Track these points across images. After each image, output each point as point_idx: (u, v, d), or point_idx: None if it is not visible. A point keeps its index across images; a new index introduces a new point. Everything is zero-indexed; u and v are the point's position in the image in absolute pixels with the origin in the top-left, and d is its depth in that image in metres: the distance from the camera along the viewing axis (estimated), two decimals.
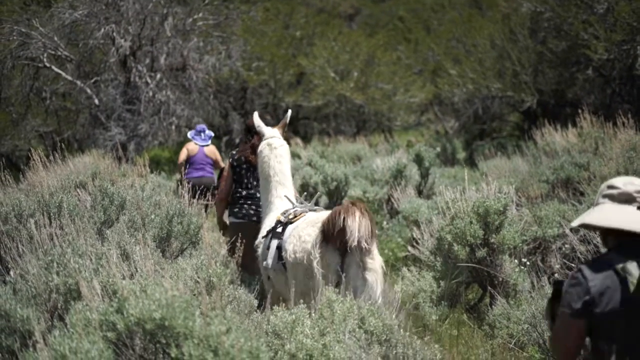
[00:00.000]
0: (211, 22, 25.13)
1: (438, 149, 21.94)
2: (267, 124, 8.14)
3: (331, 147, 25.11)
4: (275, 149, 7.77)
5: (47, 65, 22.31)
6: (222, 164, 13.59)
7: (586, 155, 13.09)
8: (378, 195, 15.58)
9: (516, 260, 8.39)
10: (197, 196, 8.42)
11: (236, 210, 8.90)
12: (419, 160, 15.47)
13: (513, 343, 7.24)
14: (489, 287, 8.32)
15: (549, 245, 9.23)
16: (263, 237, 7.31)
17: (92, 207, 8.04)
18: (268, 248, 7.03)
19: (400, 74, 34.10)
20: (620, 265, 3.93)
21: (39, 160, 9.69)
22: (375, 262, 6.34)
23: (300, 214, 7.02)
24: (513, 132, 29.75)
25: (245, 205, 8.95)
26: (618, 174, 9.26)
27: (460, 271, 8.46)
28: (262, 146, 7.86)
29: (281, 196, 7.54)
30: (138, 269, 6.17)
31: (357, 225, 6.14)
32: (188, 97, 24.27)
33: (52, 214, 7.57)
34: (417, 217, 11.02)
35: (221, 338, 4.16)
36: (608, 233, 4.15)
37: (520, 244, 8.47)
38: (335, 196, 14.85)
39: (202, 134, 13.94)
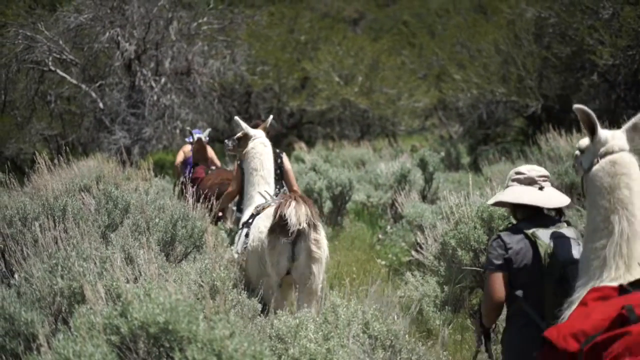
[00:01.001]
0: (216, 27, 25.17)
1: (442, 154, 21.93)
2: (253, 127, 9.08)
3: (335, 151, 25.11)
4: (261, 148, 8.63)
5: (52, 68, 22.35)
6: (218, 162, 14.19)
7: None
8: (382, 199, 15.58)
9: None
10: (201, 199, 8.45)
11: (244, 208, 9.01)
12: (423, 165, 15.46)
13: None
14: None
15: None
16: (239, 228, 8.10)
17: (97, 210, 8.05)
18: (240, 237, 7.86)
19: (404, 79, 34.10)
20: (530, 232, 5.16)
21: (44, 163, 9.70)
22: (322, 252, 7.05)
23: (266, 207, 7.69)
24: (517, 137, 29.73)
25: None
26: None
27: (464, 276, 8.44)
28: (251, 144, 8.71)
29: (261, 191, 8.21)
30: (142, 273, 6.18)
31: (293, 212, 6.83)
32: (192, 101, 24.30)
33: (56, 218, 7.58)
34: (421, 222, 11.00)
35: (225, 342, 4.16)
36: (517, 208, 5.43)
37: None
38: (339, 201, 14.85)
39: (195, 134, 14.19)
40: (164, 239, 7.57)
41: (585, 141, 4.88)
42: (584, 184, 4.82)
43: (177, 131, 23.51)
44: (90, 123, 24.30)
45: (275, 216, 7.02)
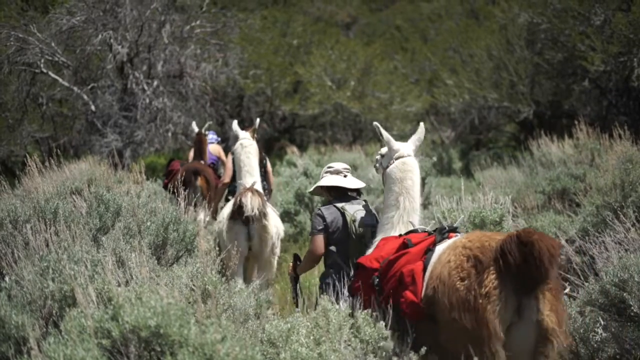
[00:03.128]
0: (209, 30, 25.13)
1: (434, 159, 21.91)
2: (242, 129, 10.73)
3: (327, 155, 25.08)
4: (246, 147, 10.28)
5: (44, 71, 22.28)
6: (224, 158, 15.13)
7: (582, 167, 13.11)
8: (374, 204, 15.57)
9: None
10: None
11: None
12: None
13: None
14: None
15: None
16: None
17: (88, 213, 8.04)
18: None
19: (397, 84, 34.10)
20: (340, 205, 7.56)
21: (35, 166, 9.67)
22: (269, 233, 9.56)
23: None
24: (509, 143, 29.79)
25: None
26: (614, 185, 9.27)
27: None
28: (237, 145, 10.42)
29: (248, 183, 9.93)
30: (133, 276, 6.17)
31: (249, 201, 9.26)
32: (185, 104, 24.26)
33: (47, 220, 7.56)
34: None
35: (216, 346, 4.16)
36: (330, 191, 7.81)
37: None
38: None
39: (209, 136, 15.34)
40: (155, 242, 7.57)
41: (384, 149, 7.21)
42: (383, 178, 7.17)
43: (169, 134, 23.48)
44: (82, 126, 24.22)
45: (234, 204, 9.45)
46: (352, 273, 7.02)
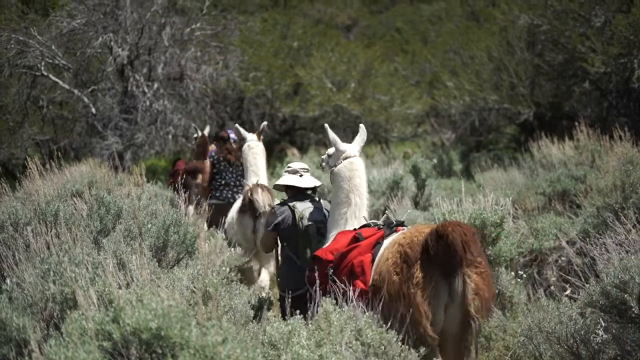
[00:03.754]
0: (209, 32, 25.13)
1: (435, 161, 21.94)
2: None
3: None
4: (253, 148, 11.49)
5: (45, 73, 22.27)
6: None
7: (583, 168, 13.12)
8: (374, 206, 15.57)
9: (512, 273, 8.40)
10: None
11: (218, 194, 13.34)
12: (415, 171, 15.48)
13: (509, 355, 7.23)
14: None
15: (546, 258, 9.25)
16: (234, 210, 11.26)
17: (89, 216, 8.04)
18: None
19: (397, 86, 34.09)
20: (292, 204, 8.15)
21: (36, 168, 9.68)
22: None
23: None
24: (510, 144, 29.78)
25: (224, 191, 13.45)
26: (615, 186, 9.27)
27: None
28: (245, 146, 11.61)
29: (253, 181, 10.87)
30: (134, 279, 6.17)
31: (260, 197, 10.12)
32: (185, 106, 24.25)
33: (48, 223, 7.57)
34: None
35: (217, 348, 4.16)
36: (287, 189, 8.45)
37: (517, 256, 8.48)
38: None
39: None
40: (156, 244, 7.57)
41: (331, 150, 7.74)
42: (331, 176, 7.68)
43: (170, 137, 23.47)
44: (83, 128, 24.21)
45: (244, 199, 10.42)
46: (300, 264, 7.92)
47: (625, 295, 6.17)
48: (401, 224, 6.87)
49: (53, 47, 22.08)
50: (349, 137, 34.16)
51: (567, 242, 8.73)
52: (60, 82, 22.68)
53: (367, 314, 5.88)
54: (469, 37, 30.25)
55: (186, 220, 8.00)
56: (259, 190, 10.22)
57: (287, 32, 34.31)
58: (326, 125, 7.93)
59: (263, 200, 10.13)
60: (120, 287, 5.78)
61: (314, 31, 35.58)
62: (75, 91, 22.57)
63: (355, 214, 7.28)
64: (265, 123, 12.57)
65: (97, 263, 6.24)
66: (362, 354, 5.56)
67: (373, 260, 6.40)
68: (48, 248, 6.75)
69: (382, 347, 5.65)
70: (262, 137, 11.90)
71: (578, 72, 21.63)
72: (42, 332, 5.49)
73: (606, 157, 12.25)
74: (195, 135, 16.41)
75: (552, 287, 8.86)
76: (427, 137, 38.23)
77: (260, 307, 7.69)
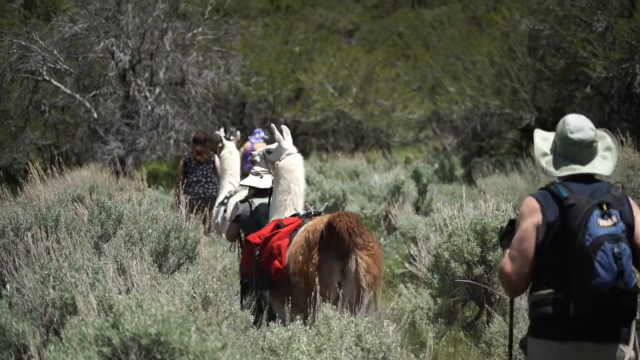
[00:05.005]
0: (210, 37, 25.16)
1: (436, 166, 21.92)
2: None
3: (329, 162, 25.07)
4: (233, 154, 13.37)
5: (47, 78, 22.32)
6: None
7: None
8: (376, 211, 15.58)
9: None
10: None
11: (190, 190, 14.41)
12: (416, 176, 15.48)
13: None
14: (486, 305, 8.32)
15: None
16: (216, 207, 12.69)
17: (89, 221, 8.05)
18: (217, 213, 12.35)
19: (399, 90, 34.10)
20: (251, 200, 9.06)
21: (37, 173, 9.69)
22: None
23: (236, 193, 12.09)
24: (511, 150, 29.81)
25: (196, 187, 14.59)
26: None
27: (458, 288, 8.44)
28: (226, 151, 13.50)
29: (230, 182, 12.91)
30: (134, 284, 6.17)
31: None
32: (187, 111, 24.26)
33: (49, 228, 7.57)
34: (415, 234, 11.01)
35: (217, 354, 4.15)
36: (251, 188, 9.38)
37: None
38: (332, 212, 14.82)
39: (257, 134, 17.40)
40: (156, 249, 7.57)
41: (273, 146, 8.57)
42: (274, 171, 8.39)
43: (171, 141, 23.49)
44: (84, 133, 24.25)
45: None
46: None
47: None
48: (318, 214, 7.89)
49: (55, 52, 22.12)
50: (350, 142, 34.27)
51: None
52: (62, 87, 22.72)
53: (366, 319, 5.87)
54: (470, 42, 30.27)
55: (187, 226, 8.00)
56: None
57: (289, 37, 34.34)
58: (273, 125, 8.82)
59: None
60: (120, 293, 5.78)
61: (315, 36, 35.63)
62: (77, 96, 22.60)
63: (294, 201, 8.16)
64: (238, 133, 14.82)
65: (98, 268, 6.24)
66: (361, 359, 5.56)
67: (289, 245, 7.38)
68: (48, 253, 6.75)
69: (382, 353, 5.65)
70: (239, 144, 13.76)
71: (580, 77, 21.64)
72: (42, 338, 5.48)
73: None
74: (252, 139, 17.94)
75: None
76: (429, 142, 38.29)
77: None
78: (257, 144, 16.90)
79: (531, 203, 4.80)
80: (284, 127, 8.87)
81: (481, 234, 8.28)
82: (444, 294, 8.49)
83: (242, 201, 9.33)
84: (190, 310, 5.64)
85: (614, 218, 4.53)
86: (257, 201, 9.16)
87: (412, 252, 10.00)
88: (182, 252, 7.78)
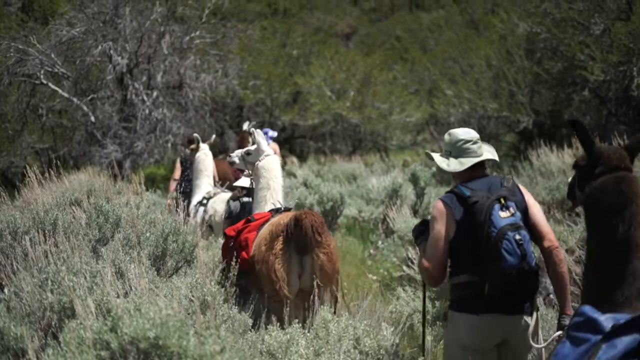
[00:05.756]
0: (208, 41, 25.18)
1: (434, 169, 21.92)
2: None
3: (327, 166, 25.09)
4: (208, 156, 13.52)
5: (44, 82, 22.32)
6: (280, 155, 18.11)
7: None
8: (373, 214, 15.58)
9: None
10: None
11: (184, 185, 14.67)
12: (414, 179, 15.48)
13: None
14: None
15: (544, 266, 9.21)
16: (194, 206, 12.84)
17: (87, 224, 8.03)
18: (196, 212, 12.63)
19: (396, 94, 34.16)
20: (241, 199, 10.58)
21: (35, 177, 9.68)
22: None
23: (215, 194, 12.62)
24: (509, 153, 29.79)
25: (189, 185, 14.51)
26: None
27: None
28: (201, 153, 13.58)
29: (205, 183, 13.22)
30: (132, 288, 6.16)
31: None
32: (184, 115, 24.28)
33: (47, 231, 7.56)
34: (413, 237, 10.98)
35: (215, 358, 4.15)
36: (242, 188, 10.58)
37: None
38: (330, 216, 14.85)
39: (266, 134, 17.38)
40: (154, 253, 7.55)
41: (252, 147, 9.13)
42: (254, 170, 8.96)
43: (169, 145, 23.50)
44: (82, 136, 24.25)
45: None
46: None
47: None
48: (288, 209, 8.35)
49: (52, 56, 22.13)
50: (348, 145, 34.29)
51: (567, 251, 8.71)
52: (60, 91, 22.72)
53: (364, 322, 5.87)
54: (468, 45, 30.30)
55: (185, 229, 7.99)
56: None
57: (287, 41, 34.40)
58: (252, 129, 9.51)
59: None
60: (118, 296, 5.77)
61: (313, 39, 35.70)
62: (75, 99, 22.60)
63: (273, 196, 8.77)
64: (214, 136, 15.73)
65: (96, 272, 6.23)
66: None
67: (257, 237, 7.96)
68: (46, 257, 6.74)
69: (380, 356, 5.64)
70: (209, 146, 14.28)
71: (577, 80, 21.65)
72: (40, 342, 5.47)
73: None
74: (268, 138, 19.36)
75: (551, 296, 8.84)
76: (427, 145, 38.28)
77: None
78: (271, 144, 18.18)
79: (440, 206, 5.60)
80: (258, 130, 9.50)
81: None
82: (442, 297, 8.48)
83: (233, 200, 10.72)
84: (189, 314, 5.63)
85: (511, 209, 5.40)
86: (246, 199, 10.60)
87: (410, 255, 10.00)
88: (180, 255, 7.77)
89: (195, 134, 14.34)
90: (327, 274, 7.32)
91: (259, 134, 9.28)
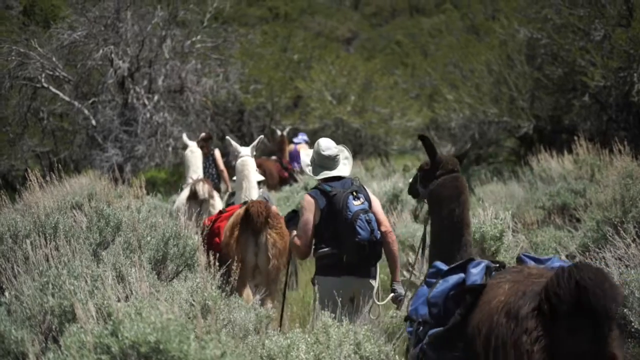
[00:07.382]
0: (209, 45, 25.21)
1: None
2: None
3: None
4: (194, 152, 14.42)
5: (45, 85, 22.32)
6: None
7: (582, 182, 13.11)
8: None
9: None
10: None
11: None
12: None
13: None
14: None
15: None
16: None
17: (88, 228, 8.03)
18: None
19: (397, 98, 34.14)
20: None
21: (36, 180, 9.68)
22: (215, 210, 12.35)
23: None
24: (509, 158, 29.78)
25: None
26: (614, 201, 9.27)
27: None
28: (188, 151, 14.48)
29: (194, 177, 13.73)
30: (133, 292, 6.16)
31: (201, 188, 12.67)
32: (185, 119, 24.28)
33: (47, 235, 7.56)
34: (413, 242, 11.00)
35: None
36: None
37: None
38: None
39: (299, 137, 20.40)
40: (155, 257, 7.56)
41: (238, 148, 10.12)
42: (236, 169, 10.00)
43: (170, 149, 23.50)
44: (83, 140, 24.23)
45: (190, 190, 12.83)
46: None
47: (625, 310, 6.16)
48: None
49: (54, 59, 22.15)
50: (349, 150, 34.22)
51: (567, 256, 8.70)
52: (61, 94, 22.73)
53: (365, 327, 5.87)
54: (468, 50, 30.28)
55: (185, 233, 8.00)
56: (201, 183, 12.97)
57: (288, 45, 34.42)
58: (227, 137, 11.04)
59: (204, 189, 12.83)
60: (119, 300, 5.77)
61: (314, 44, 35.71)
62: (76, 103, 22.61)
63: (246, 194, 9.87)
64: (203, 134, 16.79)
65: (96, 276, 6.23)
66: None
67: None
68: (47, 260, 6.74)
69: None
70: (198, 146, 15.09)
71: (578, 86, 21.64)
72: (41, 345, 5.46)
73: (606, 171, 12.23)
74: (296, 140, 21.23)
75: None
76: None
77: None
78: (300, 146, 20.99)
79: (308, 199, 7.48)
80: (229, 136, 11.12)
81: (480, 242, 8.27)
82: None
83: (233, 194, 11.69)
84: (189, 318, 5.64)
85: (361, 199, 7.41)
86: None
87: (410, 260, 9.99)
88: (180, 259, 7.77)
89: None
90: (279, 249, 8.90)
91: (232, 139, 10.65)
